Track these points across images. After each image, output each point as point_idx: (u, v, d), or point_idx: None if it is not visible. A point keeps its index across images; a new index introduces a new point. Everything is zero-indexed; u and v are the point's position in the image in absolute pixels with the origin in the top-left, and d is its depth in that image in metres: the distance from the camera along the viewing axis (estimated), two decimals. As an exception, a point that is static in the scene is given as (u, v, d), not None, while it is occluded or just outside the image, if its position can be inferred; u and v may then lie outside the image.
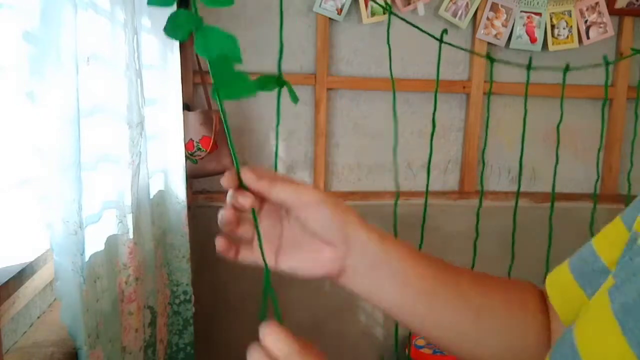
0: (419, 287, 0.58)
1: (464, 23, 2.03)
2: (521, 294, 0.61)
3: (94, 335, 0.98)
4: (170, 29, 0.47)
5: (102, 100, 1.07)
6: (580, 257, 0.57)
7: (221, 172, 1.89)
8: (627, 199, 1.85)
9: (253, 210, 0.52)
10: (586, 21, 2.03)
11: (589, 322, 0.43)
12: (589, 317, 0.43)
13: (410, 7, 1.98)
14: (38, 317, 1.06)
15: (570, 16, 2.03)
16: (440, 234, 2.16)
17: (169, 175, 1.63)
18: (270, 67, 2.02)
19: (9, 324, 0.92)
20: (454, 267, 0.62)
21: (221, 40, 0.49)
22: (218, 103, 0.49)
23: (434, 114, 1.54)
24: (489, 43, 2.06)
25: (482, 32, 2.03)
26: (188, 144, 1.81)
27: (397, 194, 1.65)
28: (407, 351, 2.14)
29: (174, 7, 0.49)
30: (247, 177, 0.53)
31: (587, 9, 2.03)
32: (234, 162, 0.53)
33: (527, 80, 1.63)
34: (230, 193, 0.53)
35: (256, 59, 2.00)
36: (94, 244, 1.03)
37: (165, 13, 0.48)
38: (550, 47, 2.04)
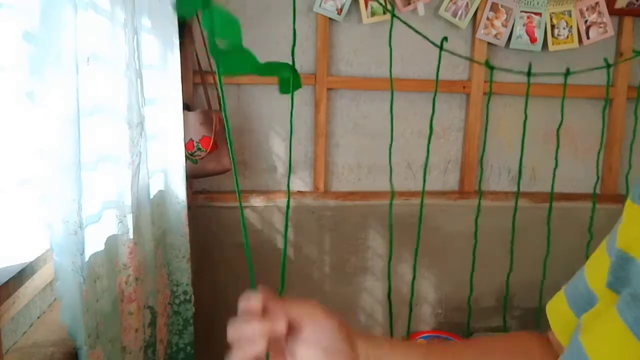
0: None
1: (464, 23, 2.03)
2: (526, 349, 0.64)
3: (94, 335, 0.98)
4: (180, 6, 0.49)
5: (102, 100, 1.07)
6: (574, 286, 0.60)
7: (221, 172, 1.89)
8: (625, 199, 1.85)
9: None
10: (586, 21, 2.03)
11: (602, 339, 0.46)
12: (600, 333, 0.46)
13: (410, 7, 1.98)
14: (38, 317, 1.06)
15: (570, 16, 2.03)
16: (440, 234, 2.16)
17: (169, 175, 1.63)
18: (270, 67, 2.01)
19: (9, 324, 0.92)
20: (458, 350, 0.66)
21: (226, 20, 0.51)
22: (218, 79, 0.49)
23: (431, 116, 1.54)
24: (489, 43, 2.06)
25: (482, 32, 2.03)
26: (188, 144, 1.81)
27: (392, 194, 1.65)
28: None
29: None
30: (265, 298, 0.60)
31: (587, 9, 2.03)
32: (250, 275, 0.58)
33: (528, 86, 1.63)
34: (245, 317, 0.60)
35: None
36: (94, 244, 1.03)
37: (166, 13, 0.48)
38: (550, 47, 2.04)
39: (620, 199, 2.10)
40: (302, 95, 2.03)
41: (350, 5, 1.96)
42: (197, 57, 1.91)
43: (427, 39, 1.40)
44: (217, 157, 1.84)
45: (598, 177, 1.82)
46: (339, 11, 1.96)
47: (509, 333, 0.68)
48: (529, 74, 1.58)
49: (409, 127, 2.12)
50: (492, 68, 1.63)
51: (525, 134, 1.73)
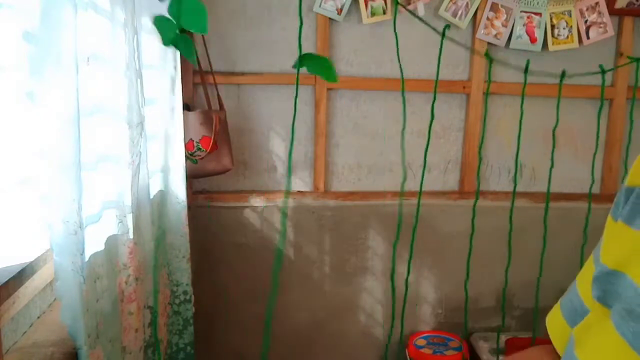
0: None
1: (464, 23, 2.03)
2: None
3: (94, 335, 0.98)
4: None
5: (102, 100, 1.07)
6: (568, 298, 0.61)
7: (221, 172, 1.89)
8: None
9: None
10: (586, 21, 2.03)
11: (598, 353, 0.48)
12: (596, 348, 0.48)
13: (411, 7, 1.98)
14: (38, 317, 1.06)
15: (570, 16, 2.03)
16: (440, 234, 2.16)
17: (169, 175, 1.63)
18: (270, 67, 2.02)
19: (9, 324, 0.92)
20: None
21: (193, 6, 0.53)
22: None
23: (431, 117, 1.54)
24: (489, 43, 2.06)
25: (482, 32, 2.03)
26: (188, 144, 1.81)
27: (401, 196, 1.65)
28: (407, 351, 2.14)
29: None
30: None
31: (587, 9, 2.03)
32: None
33: (524, 83, 1.63)
34: None
35: (256, 59, 2.01)
36: (94, 244, 1.03)
37: (164, 11, 0.48)
38: (550, 47, 2.04)
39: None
40: (302, 95, 2.03)
41: (350, 5, 1.96)
42: (197, 57, 1.91)
43: (430, 26, 1.40)
44: (217, 157, 1.84)
45: (593, 178, 1.81)
46: (339, 11, 1.96)
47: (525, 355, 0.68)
48: (526, 70, 1.58)
49: (408, 127, 2.12)
50: (491, 59, 1.63)
51: (525, 134, 1.73)
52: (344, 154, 2.12)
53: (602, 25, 2.03)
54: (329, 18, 1.98)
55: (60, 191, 0.86)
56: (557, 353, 0.64)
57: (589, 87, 2.11)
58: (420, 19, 1.40)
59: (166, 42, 0.95)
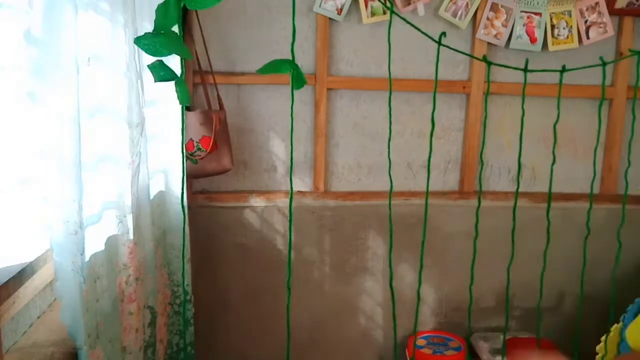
0: None
1: (464, 23, 2.03)
2: None
3: (94, 335, 0.98)
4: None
5: (103, 101, 1.07)
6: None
7: (221, 172, 1.89)
8: (624, 199, 1.85)
9: None
10: (586, 21, 2.03)
11: None
12: None
13: (410, 7, 1.98)
14: (38, 317, 1.06)
15: (570, 16, 2.03)
16: (440, 234, 2.16)
17: (169, 175, 1.63)
18: (270, 67, 2.01)
19: (9, 324, 0.93)
20: None
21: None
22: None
23: (432, 113, 1.54)
24: (489, 43, 2.06)
25: (482, 32, 2.03)
26: (188, 144, 1.81)
27: (390, 193, 1.65)
28: (406, 351, 2.14)
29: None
30: None
31: (587, 9, 2.03)
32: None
33: (525, 83, 1.63)
34: None
35: (256, 58, 2.01)
36: (94, 244, 1.03)
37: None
38: (550, 47, 2.04)
39: (620, 199, 2.10)
40: (302, 95, 2.03)
41: (350, 5, 1.96)
42: (197, 57, 1.91)
43: (426, 34, 1.40)
44: (217, 157, 1.84)
45: (594, 177, 1.81)
46: (339, 11, 1.96)
47: None
48: (525, 69, 1.58)
49: (408, 127, 2.13)
50: (489, 63, 1.63)
51: (525, 134, 1.72)
52: (344, 154, 2.12)
53: (602, 25, 2.03)
54: (329, 18, 1.99)
55: (61, 191, 0.86)
56: None
57: (589, 86, 2.11)
58: (418, 29, 1.40)
59: (157, 78, 0.97)
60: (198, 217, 2.03)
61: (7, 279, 0.86)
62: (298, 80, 1.12)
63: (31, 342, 0.97)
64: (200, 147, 1.82)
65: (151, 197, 1.40)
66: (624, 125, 2.15)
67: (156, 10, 0.92)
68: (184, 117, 1.19)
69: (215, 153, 1.84)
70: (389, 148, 1.51)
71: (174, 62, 1.56)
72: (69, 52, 0.84)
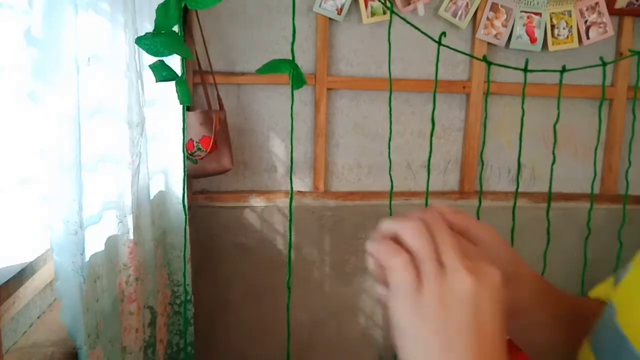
0: (561, 320, 0.58)
1: (464, 23, 2.03)
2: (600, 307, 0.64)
3: (94, 335, 0.98)
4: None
5: (103, 101, 1.07)
6: (618, 276, 0.59)
7: (221, 172, 1.89)
8: (624, 199, 1.85)
9: None
10: (586, 21, 2.03)
11: (634, 307, 0.46)
12: (632, 301, 0.46)
13: (410, 7, 1.98)
14: (38, 317, 1.06)
15: (570, 16, 2.03)
16: (440, 234, 2.16)
17: (169, 175, 1.63)
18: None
19: (9, 324, 0.93)
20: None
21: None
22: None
23: (432, 113, 1.54)
24: (488, 43, 2.06)
25: (482, 32, 2.03)
26: (188, 144, 1.81)
27: (391, 193, 1.65)
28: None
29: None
30: (446, 210, 0.51)
31: (587, 9, 2.03)
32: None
33: (525, 82, 1.63)
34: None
35: (256, 58, 2.01)
36: (94, 244, 1.03)
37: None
38: (550, 47, 2.04)
39: (620, 199, 2.10)
40: (302, 95, 2.03)
41: (350, 5, 1.96)
42: (197, 57, 1.91)
43: (426, 34, 1.40)
44: (217, 157, 1.84)
45: (595, 176, 1.81)
46: (339, 11, 1.96)
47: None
48: (525, 69, 1.58)
49: (408, 127, 2.13)
50: (489, 63, 1.63)
51: (525, 134, 1.72)
52: (344, 154, 2.12)
53: (602, 25, 2.03)
54: (329, 18, 1.99)
55: (61, 191, 0.86)
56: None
57: (589, 87, 2.12)
58: (418, 29, 1.40)
59: (159, 78, 0.96)
60: (198, 217, 2.03)
61: (7, 279, 0.86)
62: (298, 80, 1.12)
63: (31, 342, 0.97)
64: (200, 147, 1.82)
65: (151, 197, 1.40)
66: (624, 125, 2.15)
67: (157, 10, 0.93)
68: (185, 117, 1.19)
69: (215, 153, 1.84)
70: (389, 148, 1.51)
71: (174, 62, 1.56)
72: (69, 52, 0.84)
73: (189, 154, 1.81)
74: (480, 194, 1.79)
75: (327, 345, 2.20)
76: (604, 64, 1.58)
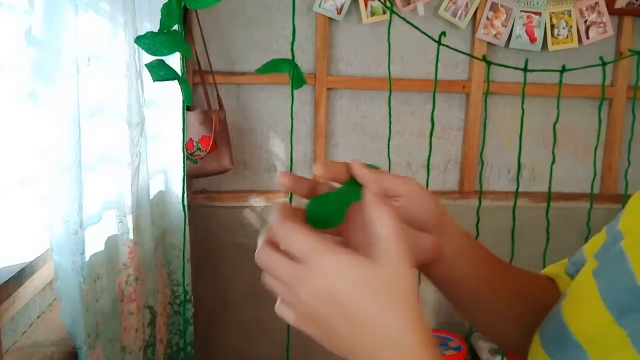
0: (487, 276, 0.60)
1: (464, 23, 2.03)
2: (549, 284, 0.66)
3: (94, 335, 0.98)
4: None
5: (103, 101, 1.07)
6: (573, 261, 0.64)
7: (221, 172, 1.89)
8: (624, 199, 1.85)
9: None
10: (586, 21, 2.03)
11: (573, 299, 0.49)
12: (576, 297, 0.49)
13: (410, 7, 1.98)
14: (38, 317, 1.06)
15: (570, 16, 2.03)
16: (440, 234, 2.16)
17: (169, 175, 1.63)
18: (270, 67, 2.01)
19: (9, 324, 0.93)
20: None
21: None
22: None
23: (433, 113, 1.54)
24: (488, 43, 2.06)
25: (482, 32, 2.03)
26: (188, 144, 1.81)
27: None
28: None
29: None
30: (359, 167, 0.53)
31: (587, 9, 2.03)
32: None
33: (525, 82, 1.63)
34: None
35: (256, 58, 2.01)
36: (95, 244, 1.03)
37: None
38: (550, 47, 2.04)
39: (620, 199, 2.10)
40: (302, 95, 2.03)
41: (350, 5, 1.96)
42: (197, 57, 1.91)
43: (426, 34, 1.40)
44: (217, 157, 1.84)
45: (595, 176, 1.81)
46: (339, 11, 1.96)
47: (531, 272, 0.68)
48: (525, 69, 1.58)
49: (408, 127, 2.13)
50: (489, 63, 1.63)
51: (525, 134, 1.72)
52: (344, 154, 2.12)
53: (602, 25, 2.03)
54: (329, 18, 1.98)
55: (61, 191, 0.86)
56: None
57: (589, 87, 2.12)
58: (418, 28, 1.40)
59: (156, 78, 0.96)
60: (198, 217, 2.03)
61: (7, 279, 0.86)
62: (298, 80, 1.12)
63: (31, 342, 0.97)
64: (200, 147, 1.82)
65: (151, 197, 1.40)
66: (624, 125, 2.15)
67: (162, 10, 0.93)
68: (185, 117, 1.19)
69: (215, 153, 1.83)
70: (389, 148, 1.50)
71: (173, 62, 1.56)
72: (69, 53, 0.84)
73: (189, 154, 1.81)
74: (481, 194, 1.78)
75: (327, 345, 2.20)
76: (604, 64, 1.58)
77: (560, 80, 1.66)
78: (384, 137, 2.12)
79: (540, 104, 2.11)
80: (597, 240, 0.57)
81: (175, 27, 0.99)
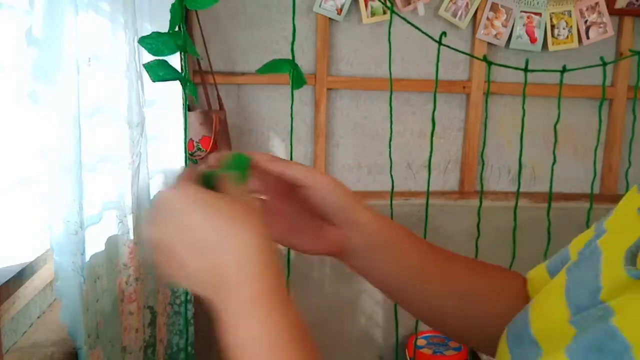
0: (413, 270, 0.61)
1: (464, 23, 2.03)
2: (507, 280, 0.65)
3: (94, 335, 0.98)
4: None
5: (103, 101, 1.07)
6: (556, 257, 0.62)
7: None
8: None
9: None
10: (586, 21, 2.03)
11: (542, 295, 0.50)
12: (546, 293, 0.50)
13: (410, 7, 1.98)
14: (38, 317, 1.06)
15: (570, 16, 2.03)
16: (440, 234, 2.16)
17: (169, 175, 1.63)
18: (270, 67, 2.01)
19: (9, 324, 0.93)
20: (451, 254, 0.64)
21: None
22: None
23: (433, 113, 1.55)
24: (488, 43, 2.06)
25: (482, 32, 2.03)
26: (188, 144, 1.81)
27: (392, 193, 1.65)
28: (406, 351, 2.14)
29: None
30: (264, 157, 0.55)
31: (587, 9, 2.03)
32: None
33: (525, 82, 1.63)
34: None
35: (256, 58, 2.01)
36: (95, 244, 1.03)
37: (165, 13, 0.49)
38: (550, 47, 2.04)
39: (620, 199, 2.10)
40: (302, 95, 2.03)
41: (350, 5, 1.96)
42: (198, 59, 1.91)
43: (426, 34, 1.40)
44: (217, 157, 1.84)
45: (595, 176, 1.81)
46: (339, 11, 1.96)
47: (498, 267, 0.68)
48: (525, 69, 1.58)
49: (409, 127, 2.13)
50: (490, 63, 1.63)
51: (525, 134, 1.73)
52: (344, 154, 2.12)
53: (602, 25, 2.03)
54: (329, 18, 1.98)
55: (61, 191, 0.86)
56: (525, 284, 0.64)
57: (589, 87, 2.12)
58: (418, 28, 1.40)
59: (155, 78, 0.96)
60: (198, 217, 2.03)
61: (7, 279, 0.87)
62: (298, 80, 1.12)
63: (31, 342, 0.97)
64: (200, 147, 1.82)
65: (151, 197, 1.40)
66: (624, 125, 2.14)
67: (171, 10, 0.93)
68: (186, 116, 1.19)
69: (215, 153, 1.83)
70: (389, 148, 1.51)
71: (173, 62, 1.56)
72: (69, 53, 0.84)
73: (189, 154, 1.81)
74: (481, 194, 1.79)
75: (327, 345, 2.20)
76: (604, 64, 1.58)
77: (561, 80, 1.66)
78: (384, 137, 2.12)
79: (541, 104, 2.10)
80: (584, 237, 0.57)
81: (175, 28, 0.99)
